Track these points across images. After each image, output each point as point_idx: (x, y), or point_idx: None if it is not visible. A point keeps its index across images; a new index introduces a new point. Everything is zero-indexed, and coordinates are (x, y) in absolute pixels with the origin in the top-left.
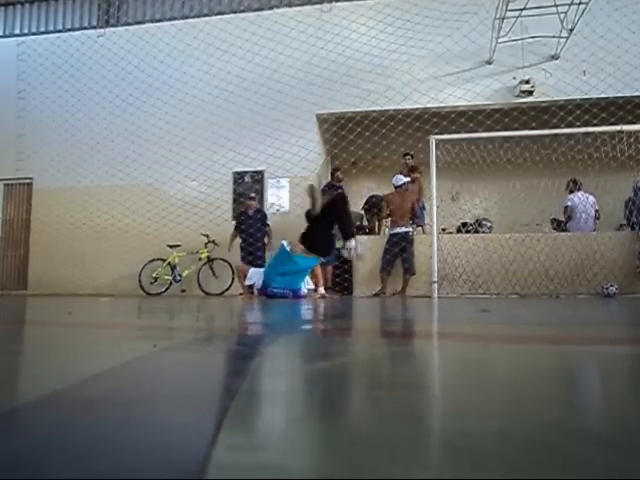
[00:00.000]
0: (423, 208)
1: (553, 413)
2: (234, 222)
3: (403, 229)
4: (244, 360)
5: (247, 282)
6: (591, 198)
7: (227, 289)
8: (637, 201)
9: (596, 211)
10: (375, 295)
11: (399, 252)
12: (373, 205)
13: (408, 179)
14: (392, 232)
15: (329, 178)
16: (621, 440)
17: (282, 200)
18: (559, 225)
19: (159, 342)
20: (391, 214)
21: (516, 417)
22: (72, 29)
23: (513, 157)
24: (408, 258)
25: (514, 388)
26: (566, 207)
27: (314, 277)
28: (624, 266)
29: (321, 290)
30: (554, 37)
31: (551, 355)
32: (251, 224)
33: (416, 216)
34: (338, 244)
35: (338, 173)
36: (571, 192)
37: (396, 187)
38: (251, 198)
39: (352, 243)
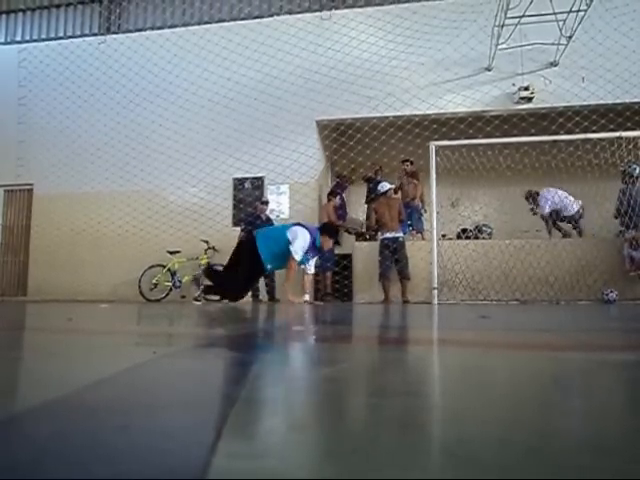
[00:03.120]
0: (421, 214)
1: (553, 420)
2: (242, 224)
3: (394, 234)
4: (244, 367)
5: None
6: (560, 192)
7: None
8: (627, 193)
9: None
10: (382, 303)
11: (396, 258)
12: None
13: (393, 185)
14: (384, 237)
15: (329, 183)
16: (619, 447)
17: (282, 206)
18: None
19: (159, 349)
20: (381, 221)
21: (515, 424)
22: (73, 36)
23: (513, 163)
24: (403, 264)
25: (513, 395)
26: (564, 216)
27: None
28: (624, 272)
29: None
30: (553, 44)
31: (550, 362)
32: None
33: (402, 219)
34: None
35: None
36: (534, 200)
37: (382, 194)
38: (265, 202)
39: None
